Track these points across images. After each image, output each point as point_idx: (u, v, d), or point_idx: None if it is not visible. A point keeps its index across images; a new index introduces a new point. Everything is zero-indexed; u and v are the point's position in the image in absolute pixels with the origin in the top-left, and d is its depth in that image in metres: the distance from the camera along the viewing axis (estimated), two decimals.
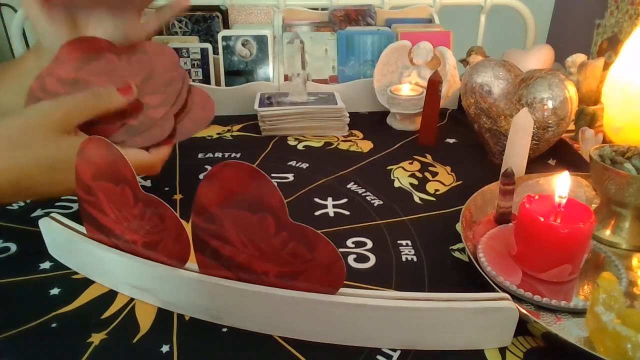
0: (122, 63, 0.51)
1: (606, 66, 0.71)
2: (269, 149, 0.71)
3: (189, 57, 0.81)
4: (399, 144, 0.72)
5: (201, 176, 0.62)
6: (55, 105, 0.44)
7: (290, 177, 0.63)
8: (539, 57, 0.86)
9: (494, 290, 0.39)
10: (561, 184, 0.42)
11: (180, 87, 0.51)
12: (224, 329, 0.39)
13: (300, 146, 0.72)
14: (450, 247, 0.49)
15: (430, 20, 0.93)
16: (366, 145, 0.72)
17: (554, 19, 1.79)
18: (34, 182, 0.43)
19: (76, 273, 0.44)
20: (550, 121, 0.59)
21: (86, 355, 0.36)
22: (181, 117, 0.50)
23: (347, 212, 0.55)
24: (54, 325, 0.39)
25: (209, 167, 0.64)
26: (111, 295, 0.42)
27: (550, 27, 1.79)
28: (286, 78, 0.82)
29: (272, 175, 0.63)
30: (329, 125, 0.75)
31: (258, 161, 0.67)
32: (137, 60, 0.52)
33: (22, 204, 0.55)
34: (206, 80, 0.83)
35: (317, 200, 0.57)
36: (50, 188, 0.44)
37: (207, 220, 0.36)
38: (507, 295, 0.37)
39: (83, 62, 0.50)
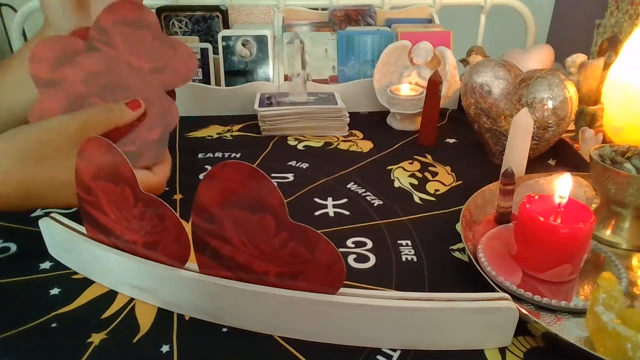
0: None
1: (606, 66, 0.71)
2: (269, 149, 0.71)
3: None
4: (399, 144, 0.72)
5: (201, 176, 0.62)
6: (68, 120, 0.44)
7: (290, 177, 0.63)
8: (539, 57, 0.86)
9: (494, 290, 0.39)
10: (561, 185, 0.42)
11: (173, 109, 0.50)
12: (224, 329, 0.39)
13: (300, 146, 0.72)
14: (450, 247, 0.49)
15: (430, 20, 0.93)
16: (366, 145, 0.72)
17: (554, 19, 1.79)
18: (42, 196, 0.43)
19: (76, 273, 0.44)
20: (550, 121, 0.59)
21: (86, 355, 0.36)
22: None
23: (347, 212, 0.55)
24: (54, 325, 0.39)
25: (209, 167, 0.64)
26: (111, 295, 0.42)
27: (550, 27, 1.79)
28: (286, 78, 0.82)
29: (272, 175, 0.63)
30: (329, 125, 0.75)
31: (258, 161, 0.67)
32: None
33: None
34: (206, 80, 0.83)
35: (317, 200, 0.57)
36: (55, 202, 0.44)
37: (207, 220, 0.36)
38: (507, 295, 0.37)
39: (58, 61, 0.48)
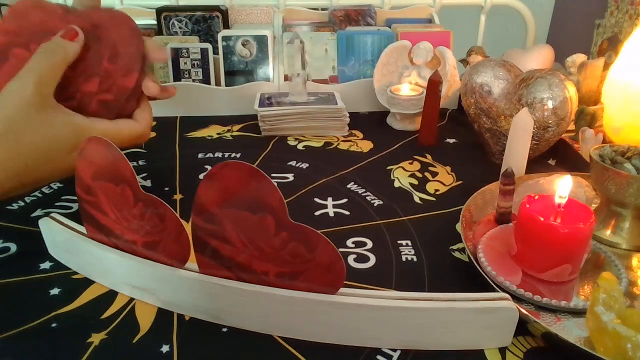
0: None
1: (606, 66, 0.71)
2: (269, 149, 0.71)
3: (189, 57, 0.81)
4: (399, 144, 0.72)
5: (201, 176, 0.62)
6: (19, 83, 0.43)
7: (290, 177, 0.63)
8: (539, 57, 0.86)
9: (494, 290, 0.39)
10: (562, 185, 0.42)
11: (143, 50, 0.49)
12: (224, 329, 0.39)
13: (300, 146, 0.72)
14: (450, 247, 0.49)
15: (430, 20, 0.93)
16: (366, 145, 0.72)
17: (554, 19, 1.79)
18: (35, 168, 0.43)
19: (76, 273, 0.44)
20: (550, 121, 0.59)
21: (86, 355, 0.36)
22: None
23: (347, 212, 0.55)
24: (54, 325, 0.39)
25: (209, 167, 0.64)
26: (111, 295, 0.42)
27: (550, 27, 1.79)
28: (286, 78, 0.82)
29: (272, 175, 0.63)
30: (329, 125, 0.75)
31: (258, 161, 0.67)
32: (96, 37, 0.48)
33: (22, 203, 0.55)
34: (206, 80, 0.82)
35: (317, 200, 0.57)
36: (51, 171, 0.44)
37: (207, 220, 0.36)
38: (507, 295, 0.37)
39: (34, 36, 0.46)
